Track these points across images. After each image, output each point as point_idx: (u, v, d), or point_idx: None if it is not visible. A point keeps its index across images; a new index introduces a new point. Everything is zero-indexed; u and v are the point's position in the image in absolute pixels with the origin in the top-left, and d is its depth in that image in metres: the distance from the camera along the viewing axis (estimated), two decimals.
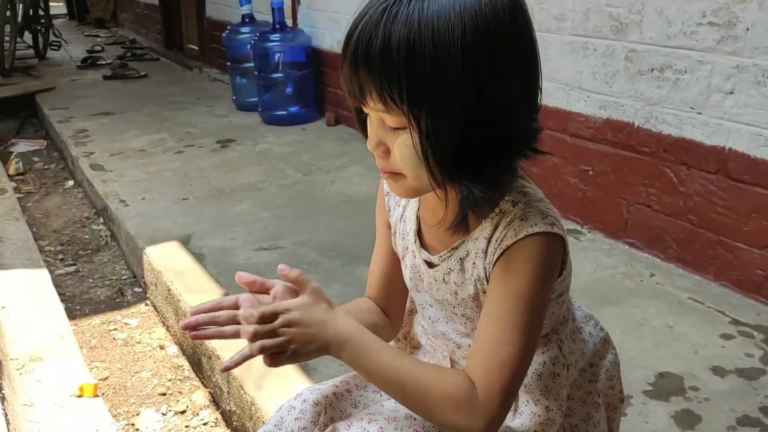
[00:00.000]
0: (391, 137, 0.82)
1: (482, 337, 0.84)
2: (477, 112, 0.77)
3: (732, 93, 1.98)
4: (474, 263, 0.89)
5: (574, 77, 2.46)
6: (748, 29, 1.91)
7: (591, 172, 2.46)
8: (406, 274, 1.02)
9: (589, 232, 2.49)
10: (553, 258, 0.84)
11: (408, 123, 0.78)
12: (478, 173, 0.80)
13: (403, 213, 1.01)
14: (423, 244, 0.97)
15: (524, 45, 0.80)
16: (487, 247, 0.86)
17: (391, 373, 0.84)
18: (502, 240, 0.84)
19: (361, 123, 0.89)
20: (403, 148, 0.80)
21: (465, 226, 0.86)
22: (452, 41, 0.74)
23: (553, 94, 2.52)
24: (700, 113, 2.08)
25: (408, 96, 0.76)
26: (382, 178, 1.04)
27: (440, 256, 0.93)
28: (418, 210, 0.97)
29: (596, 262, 2.27)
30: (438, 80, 0.75)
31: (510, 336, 0.82)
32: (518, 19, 0.79)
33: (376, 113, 0.82)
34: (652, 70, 2.19)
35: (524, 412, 0.94)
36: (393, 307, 1.09)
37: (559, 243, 0.85)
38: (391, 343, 1.15)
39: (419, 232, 0.97)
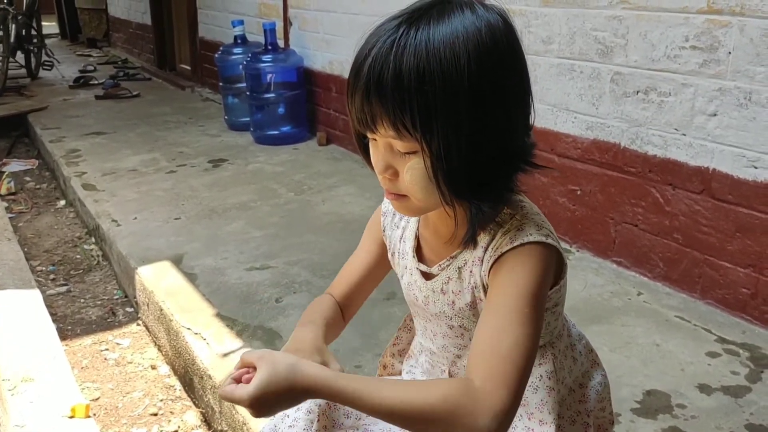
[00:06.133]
0: (400, 161, 0.85)
1: (481, 333, 0.83)
2: (483, 132, 0.81)
3: (715, 115, 2.02)
4: (471, 271, 0.92)
5: (562, 98, 2.51)
6: (729, 53, 1.96)
7: (579, 192, 2.50)
8: (405, 292, 1.04)
9: (578, 250, 2.52)
10: (546, 267, 0.87)
11: (420, 148, 0.81)
12: (486, 191, 0.84)
13: (402, 234, 1.04)
14: (421, 260, 1.00)
15: (519, 65, 0.85)
16: (484, 255, 0.89)
17: (376, 409, 0.79)
18: (497, 247, 0.87)
19: (362, 147, 0.92)
20: (414, 171, 0.83)
21: (475, 242, 0.89)
22: (459, 68, 0.78)
23: (541, 114, 2.56)
24: (684, 134, 2.12)
25: (420, 122, 0.79)
26: (381, 205, 1.08)
27: (439, 266, 0.96)
28: (417, 229, 1.01)
29: (585, 281, 2.30)
30: (448, 106, 0.79)
31: (510, 327, 0.81)
32: (513, 42, 0.84)
33: (384, 138, 0.85)
34: (637, 92, 2.23)
35: (518, 427, 0.96)
36: (351, 308, 1.13)
37: (553, 254, 0.87)
38: (386, 359, 1.18)
39: (418, 250, 1.01)
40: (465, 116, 0.79)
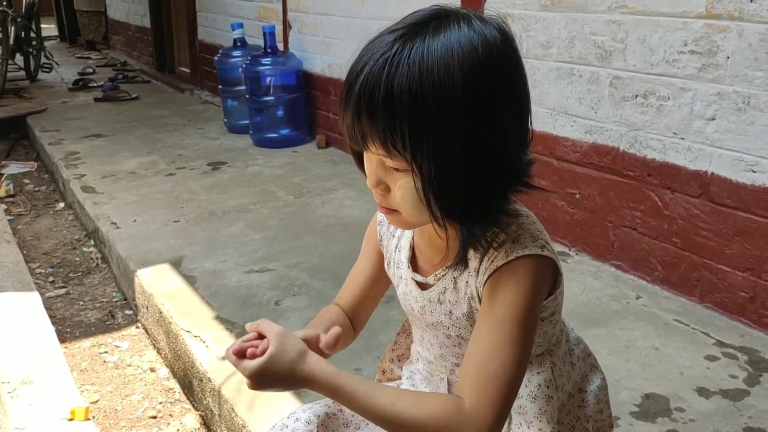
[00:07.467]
0: (392, 177, 0.84)
1: (473, 351, 0.85)
2: (476, 154, 0.79)
3: (713, 119, 2.03)
4: (467, 282, 0.91)
5: (561, 102, 2.51)
6: (728, 57, 1.96)
7: (578, 195, 2.50)
8: (401, 302, 1.04)
9: (577, 254, 2.52)
10: (541, 279, 0.87)
11: (410, 168, 0.80)
12: (478, 213, 0.83)
13: (398, 243, 1.03)
14: (417, 269, 1.00)
15: (518, 82, 0.83)
16: (479, 266, 0.89)
17: (370, 413, 0.84)
18: (493, 260, 0.86)
19: (357, 157, 0.91)
20: (405, 190, 0.82)
21: (465, 263, 0.89)
22: (453, 90, 0.76)
23: (540, 118, 2.57)
24: (682, 138, 2.13)
25: (411, 144, 0.78)
26: (377, 213, 1.07)
27: (435, 276, 0.95)
28: (413, 239, 1.00)
29: (583, 285, 2.30)
30: (440, 128, 0.77)
31: (501, 348, 0.83)
32: (512, 59, 0.82)
33: (376, 155, 0.84)
34: (636, 96, 2.24)
35: None
36: (360, 318, 1.12)
37: (548, 265, 0.87)
38: (385, 364, 1.18)
39: (413, 260, 1.00)
40: (457, 137, 0.77)
